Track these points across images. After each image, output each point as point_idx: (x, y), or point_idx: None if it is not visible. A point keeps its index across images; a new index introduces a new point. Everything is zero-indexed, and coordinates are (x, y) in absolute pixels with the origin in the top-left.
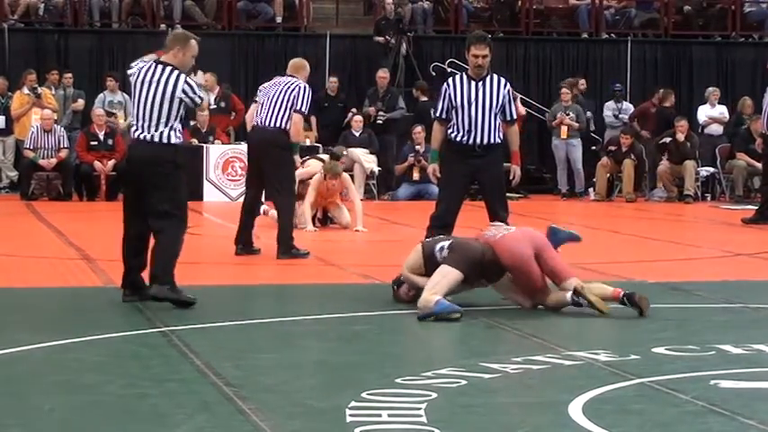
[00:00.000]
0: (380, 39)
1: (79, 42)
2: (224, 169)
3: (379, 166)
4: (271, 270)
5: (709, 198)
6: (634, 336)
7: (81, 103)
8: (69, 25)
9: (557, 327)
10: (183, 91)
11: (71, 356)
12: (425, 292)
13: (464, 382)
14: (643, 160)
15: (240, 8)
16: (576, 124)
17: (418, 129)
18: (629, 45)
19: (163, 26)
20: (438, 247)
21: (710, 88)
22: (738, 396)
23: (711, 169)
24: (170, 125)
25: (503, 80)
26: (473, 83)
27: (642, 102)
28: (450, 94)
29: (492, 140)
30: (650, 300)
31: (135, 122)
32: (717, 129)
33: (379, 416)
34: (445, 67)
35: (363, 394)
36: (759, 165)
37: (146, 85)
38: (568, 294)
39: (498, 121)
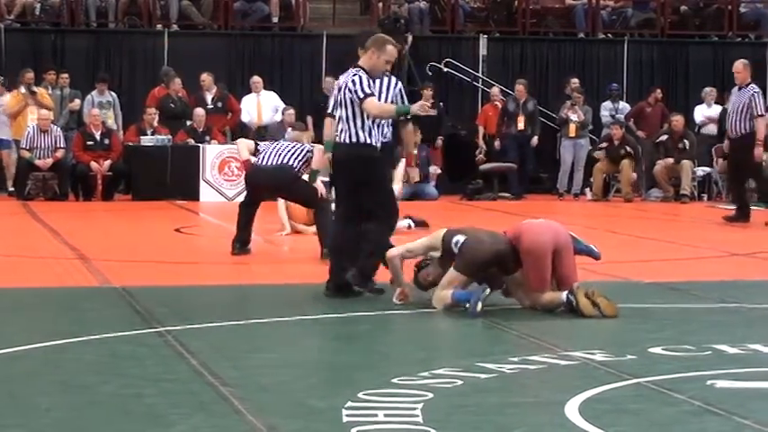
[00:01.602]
0: None
1: (76, 42)
2: (220, 169)
3: None
4: (268, 270)
5: (705, 198)
6: (630, 336)
7: (77, 103)
8: (66, 25)
9: (553, 327)
10: (348, 88)
11: (68, 356)
12: (438, 291)
13: (460, 382)
14: (639, 158)
15: (236, 8)
16: (583, 116)
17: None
18: (626, 45)
19: (159, 26)
20: (454, 240)
21: (707, 88)
22: (734, 396)
23: (708, 169)
24: (358, 126)
25: (393, 79)
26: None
27: (639, 101)
28: None
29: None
30: (647, 299)
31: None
32: (713, 129)
33: (376, 416)
34: (442, 66)
35: (360, 394)
36: None
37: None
38: (564, 294)
39: (388, 121)
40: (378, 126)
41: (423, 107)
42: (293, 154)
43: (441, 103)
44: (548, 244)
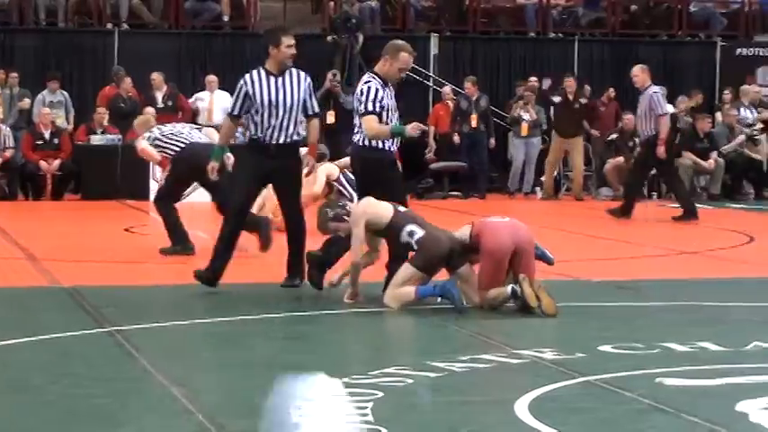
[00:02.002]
0: (329, 38)
1: (25, 41)
2: None
3: None
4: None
5: (655, 196)
6: (580, 334)
7: (27, 102)
8: (15, 24)
9: (503, 326)
10: (357, 98)
11: (17, 357)
12: (392, 289)
13: (410, 380)
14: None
15: (187, 7)
16: (535, 115)
17: None
18: (576, 44)
19: (109, 25)
20: (408, 230)
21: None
22: (683, 393)
23: None
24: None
25: (302, 74)
26: (272, 79)
27: (590, 99)
28: (248, 92)
29: (290, 140)
30: (596, 298)
31: None
32: None
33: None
34: None
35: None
36: (704, 163)
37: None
38: (509, 287)
39: (299, 117)
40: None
41: (416, 129)
42: (193, 129)
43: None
44: (508, 247)
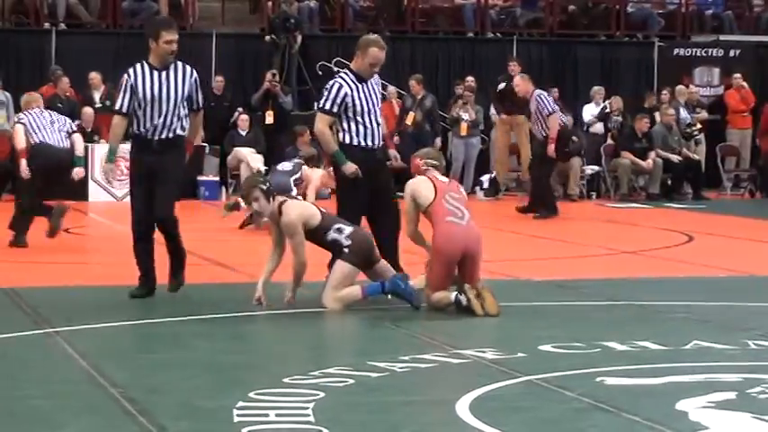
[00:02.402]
0: (267, 38)
1: None
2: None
3: (266, 165)
4: (157, 271)
5: (594, 196)
6: (521, 333)
7: None
8: None
9: (444, 326)
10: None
11: None
12: (332, 290)
13: (352, 381)
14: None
15: (125, 6)
16: (474, 115)
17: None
18: (515, 44)
19: (47, 25)
20: (335, 227)
21: (595, 87)
22: (623, 392)
23: (596, 167)
24: (353, 130)
25: (189, 68)
26: (156, 73)
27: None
28: (132, 86)
29: (172, 135)
30: (537, 297)
31: None
32: (601, 127)
33: (267, 416)
34: (332, 65)
35: (251, 394)
36: (643, 163)
37: None
38: (453, 294)
39: (183, 112)
40: (371, 129)
41: (353, 174)
42: (62, 130)
43: None
44: (459, 251)
